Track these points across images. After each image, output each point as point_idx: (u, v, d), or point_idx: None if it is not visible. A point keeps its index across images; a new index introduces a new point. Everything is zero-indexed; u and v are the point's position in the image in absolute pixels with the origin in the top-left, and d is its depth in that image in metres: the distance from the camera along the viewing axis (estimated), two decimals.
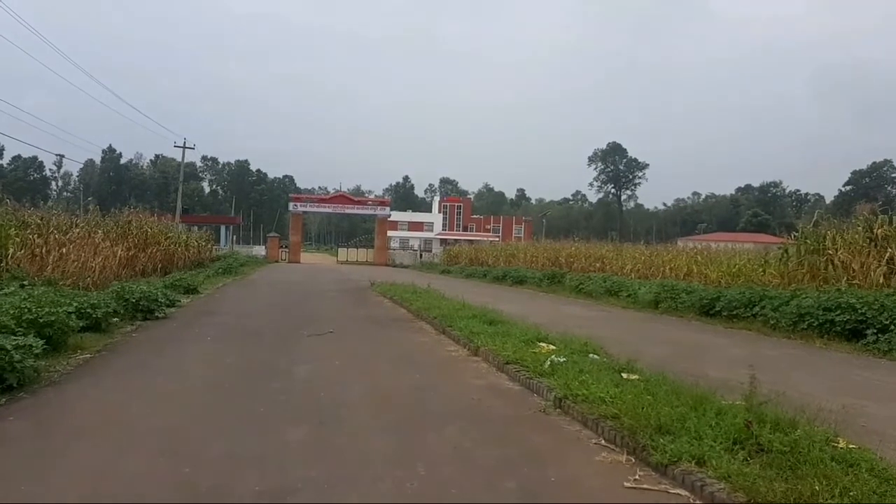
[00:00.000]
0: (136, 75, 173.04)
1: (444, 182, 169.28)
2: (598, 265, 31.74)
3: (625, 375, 7.49)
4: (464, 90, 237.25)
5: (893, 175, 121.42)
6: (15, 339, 7.55)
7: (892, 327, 12.02)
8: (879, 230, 16.09)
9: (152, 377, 8.06)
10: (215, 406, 6.72)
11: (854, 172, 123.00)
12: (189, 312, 15.49)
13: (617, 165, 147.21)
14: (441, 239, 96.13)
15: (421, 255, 69.75)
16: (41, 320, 9.05)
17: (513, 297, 23.00)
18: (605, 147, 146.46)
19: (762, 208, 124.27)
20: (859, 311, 12.72)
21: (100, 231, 21.50)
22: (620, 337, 12.31)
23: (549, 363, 8.26)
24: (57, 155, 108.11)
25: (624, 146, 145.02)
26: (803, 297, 14.61)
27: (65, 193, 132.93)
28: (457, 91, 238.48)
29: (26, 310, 9.08)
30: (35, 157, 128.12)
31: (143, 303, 13.68)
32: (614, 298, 23.03)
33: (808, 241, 18.00)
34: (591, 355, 8.82)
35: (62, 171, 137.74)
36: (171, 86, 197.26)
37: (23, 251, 16.67)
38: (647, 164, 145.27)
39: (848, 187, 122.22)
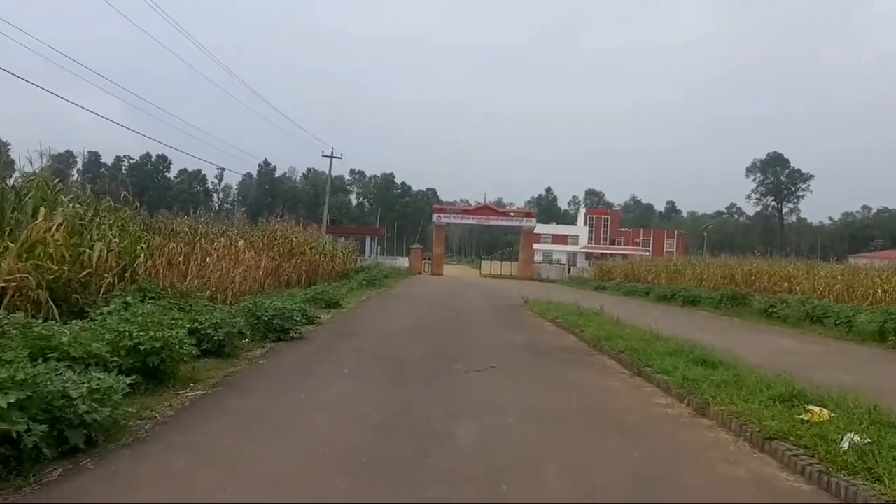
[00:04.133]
0: (288, 93, 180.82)
1: (590, 193, 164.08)
2: (785, 285, 27.51)
3: None
4: (608, 99, 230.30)
5: None
6: (96, 379, 5.61)
7: None
8: None
9: (266, 436, 5.85)
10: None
11: None
12: (327, 332, 13.56)
13: (778, 177, 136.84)
14: (586, 252, 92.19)
15: (569, 270, 66.33)
16: (143, 347, 7.19)
17: (695, 323, 19.61)
18: (764, 157, 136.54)
19: None
20: None
21: (241, 240, 20.29)
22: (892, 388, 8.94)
23: (846, 444, 5.33)
24: (218, 168, 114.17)
25: (786, 156, 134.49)
26: None
27: (225, 205, 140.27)
28: (602, 100, 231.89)
29: (126, 334, 7.24)
30: (199, 170, 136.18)
31: (277, 321, 11.85)
32: (819, 326, 19.12)
33: None
34: None
35: (223, 183, 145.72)
36: (321, 101, 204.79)
37: (161, 260, 15.49)
38: (812, 176, 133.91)
39: None
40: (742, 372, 8.65)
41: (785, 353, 13.15)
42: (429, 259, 64.60)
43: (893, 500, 4.34)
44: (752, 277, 29.75)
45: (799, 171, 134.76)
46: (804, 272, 27.92)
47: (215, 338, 9.51)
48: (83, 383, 5.43)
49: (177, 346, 7.60)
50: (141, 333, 7.32)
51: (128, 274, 12.10)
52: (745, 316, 23.02)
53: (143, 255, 13.42)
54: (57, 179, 12.99)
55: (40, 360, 5.79)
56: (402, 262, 67.82)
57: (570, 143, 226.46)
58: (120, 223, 13.39)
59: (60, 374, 5.64)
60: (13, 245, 8.96)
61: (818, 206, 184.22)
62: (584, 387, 8.89)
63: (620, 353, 10.91)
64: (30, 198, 10.31)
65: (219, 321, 9.79)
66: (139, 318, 7.94)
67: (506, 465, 5.27)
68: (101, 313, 8.47)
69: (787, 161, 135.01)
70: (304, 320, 13.34)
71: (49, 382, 5.05)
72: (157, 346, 7.29)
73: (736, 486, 5.07)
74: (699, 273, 34.69)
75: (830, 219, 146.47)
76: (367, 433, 6.02)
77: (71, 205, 11.29)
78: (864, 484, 4.72)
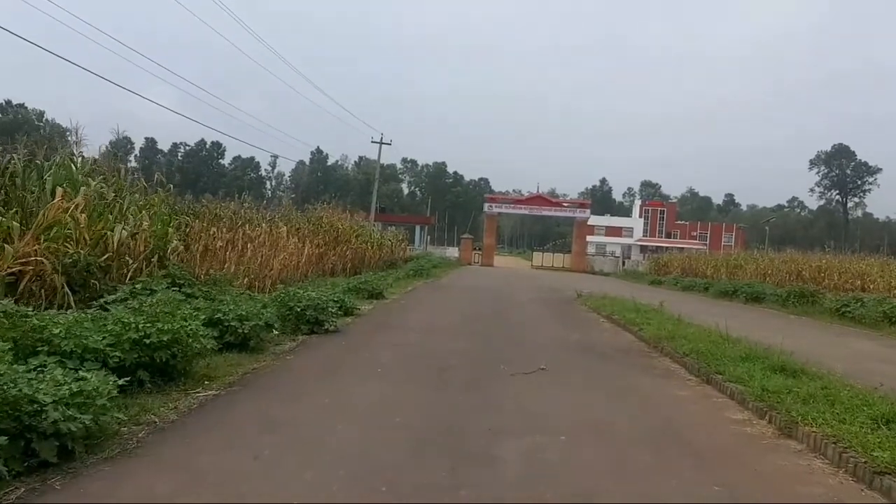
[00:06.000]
0: (341, 83, 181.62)
1: (646, 185, 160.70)
2: (857, 283, 25.78)
3: None
4: (666, 90, 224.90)
5: None
6: (80, 380, 4.85)
7: None
8: None
9: (274, 451, 4.97)
10: None
11: None
12: (366, 325, 12.75)
13: (843, 170, 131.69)
14: (641, 245, 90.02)
15: (623, 263, 64.51)
16: (149, 341, 6.41)
17: (763, 322, 18.19)
18: (829, 149, 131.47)
19: None
20: None
21: (283, 227, 19.66)
22: None
23: None
24: (272, 155, 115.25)
25: (852, 148, 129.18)
26: None
27: (278, 192, 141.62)
28: (659, 92, 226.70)
29: (131, 325, 6.48)
30: (252, 158, 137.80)
31: (310, 313, 11.06)
32: None
33: None
34: None
35: (276, 171, 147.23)
36: (373, 91, 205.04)
37: (197, 245, 14.95)
38: (880, 169, 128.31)
39: None
40: (830, 383, 7.49)
41: (870, 359, 11.81)
42: (479, 249, 63.64)
43: None
44: (821, 274, 28.02)
45: (865, 163, 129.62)
46: (878, 269, 26.21)
47: (240, 330, 8.76)
48: (63, 385, 4.66)
49: (189, 340, 6.82)
50: (148, 325, 6.54)
51: (154, 259, 11.45)
52: (815, 315, 21.43)
53: (174, 239, 12.81)
54: (90, 158, 12.47)
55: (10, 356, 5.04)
56: (453, 252, 67.00)
57: (625, 135, 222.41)
58: (151, 206, 12.81)
59: (47, 372, 4.93)
60: (17, 225, 8.30)
61: (888, 201, 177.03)
62: (646, 396, 7.82)
63: (685, 357, 9.78)
64: (49, 176, 9.69)
65: (245, 312, 9.02)
66: (148, 308, 7.21)
67: (556, 499, 4.30)
68: (107, 302, 7.78)
69: (853, 153, 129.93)
70: (340, 312, 12.56)
71: (12, 384, 4.27)
72: (166, 339, 6.51)
73: None
74: (762, 268, 32.98)
75: None
76: (392, 451, 5.12)
77: (95, 185, 10.66)
78: None
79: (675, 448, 5.67)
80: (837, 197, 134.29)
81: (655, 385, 8.50)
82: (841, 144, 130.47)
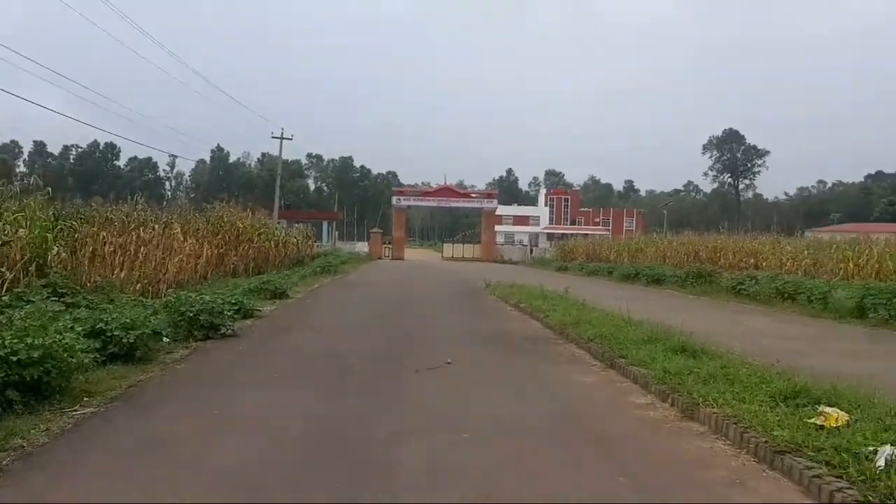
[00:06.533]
0: (237, 75, 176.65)
1: (550, 174, 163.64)
2: (751, 261, 26.95)
3: None
4: (565, 79, 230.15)
5: None
6: None
7: None
8: None
9: (151, 474, 4.55)
10: None
11: None
12: (267, 327, 12.26)
13: (734, 153, 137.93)
14: (548, 233, 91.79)
15: (531, 251, 65.54)
16: (17, 357, 5.82)
17: (664, 303, 18.71)
18: (720, 134, 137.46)
19: None
20: None
21: (177, 227, 18.77)
22: None
23: (882, 461, 4.29)
24: (170, 155, 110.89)
25: (742, 133, 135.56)
26: None
27: (178, 193, 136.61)
28: (559, 81, 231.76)
29: None
30: (149, 158, 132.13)
31: (204, 317, 10.48)
32: (790, 303, 18.30)
33: None
34: None
35: (175, 171, 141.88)
36: (272, 84, 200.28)
37: (84, 251, 14.09)
38: (768, 152, 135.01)
39: None
40: (730, 362, 7.61)
41: (765, 335, 12.22)
42: (389, 243, 63.34)
43: None
44: (717, 254, 29.23)
45: (754, 147, 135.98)
46: (770, 247, 27.48)
47: (125, 340, 8.16)
48: None
49: (65, 354, 6.26)
50: (15, 341, 5.96)
51: (32, 268, 10.63)
52: (713, 294, 22.25)
53: (55, 246, 11.96)
54: None
55: None
56: (362, 246, 66.38)
57: (529, 125, 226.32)
58: (31, 211, 11.91)
59: None
60: None
61: (775, 183, 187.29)
62: (551, 385, 7.76)
63: (590, 342, 9.83)
64: None
65: (130, 320, 8.43)
66: (18, 322, 6.60)
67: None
68: None
69: (742, 137, 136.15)
70: (238, 315, 12.03)
71: None
72: (37, 355, 5.94)
73: None
74: (662, 251, 34.14)
75: (786, 194, 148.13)
76: (283, 466, 4.79)
77: None
78: None
79: (580, 439, 5.58)
80: (729, 180, 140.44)
81: (561, 373, 8.47)
82: (731, 129, 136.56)
